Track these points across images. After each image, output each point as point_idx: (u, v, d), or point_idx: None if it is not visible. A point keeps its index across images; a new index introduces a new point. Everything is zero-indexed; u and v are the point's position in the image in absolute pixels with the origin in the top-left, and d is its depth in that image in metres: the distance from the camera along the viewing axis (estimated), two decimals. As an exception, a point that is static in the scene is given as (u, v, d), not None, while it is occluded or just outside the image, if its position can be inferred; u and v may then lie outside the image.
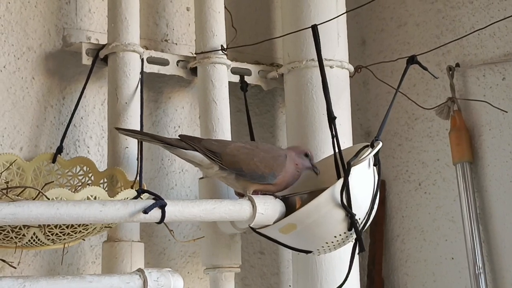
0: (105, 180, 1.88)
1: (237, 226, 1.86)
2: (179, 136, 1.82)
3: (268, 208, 1.75)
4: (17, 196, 1.64)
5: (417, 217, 2.33)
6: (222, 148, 1.80)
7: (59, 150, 1.93)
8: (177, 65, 2.09)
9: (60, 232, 1.66)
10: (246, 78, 2.18)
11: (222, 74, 2.04)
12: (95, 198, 1.64)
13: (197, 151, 1.79)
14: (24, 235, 1.64)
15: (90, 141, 2.02)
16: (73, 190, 1.88)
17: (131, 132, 1.85)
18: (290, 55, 2.14)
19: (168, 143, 1.80)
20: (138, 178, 1.82)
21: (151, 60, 2.05)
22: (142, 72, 1.97)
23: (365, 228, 1.79)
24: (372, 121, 2.46)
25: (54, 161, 1.91)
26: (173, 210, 1.65)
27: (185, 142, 1.79)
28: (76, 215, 1.56)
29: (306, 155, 1.86)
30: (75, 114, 1.97)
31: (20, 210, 1.51)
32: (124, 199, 1.66)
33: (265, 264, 2.24)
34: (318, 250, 1.79)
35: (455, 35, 2.22)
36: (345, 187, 1.70)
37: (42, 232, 1.64)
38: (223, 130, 1.99)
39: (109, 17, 1.98)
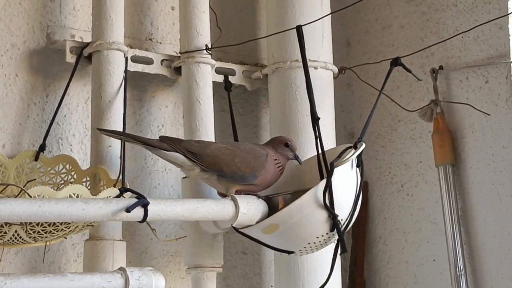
0: (88, 179, 1.88)
1: (220, 225, 1.86)
2: (159, 137, 1.81)
3: (251, 208, 1.75)
4: (-1, 193, 1.63)
5: (399, 219, 2.33)
6: (202, 149, 1.80)
7: (42, 148, 1.92)
8: (161, 64, 2.09)
9: (42, 230, 1.65)
10: (230, 78, 2.18)
11: (206, 74, 2.03)
12: (77, 196, 1.63)
13: (177, 152, 1.78)
14: (5, 232, 1.63)
15: (73, 139, 2.02)
16: (56, 188, 1.87)
17: (112, 133, 1.85)
18: (274, 55, 2.14)
19: (149, 144, 1.79)
20: (121, 176, 1.81)
21: (135, 59, 2.04)
22: (126, 71, 1.97)
23: (348, 229, 1.79)
24: (356, 122, 2.46)
25: (36, 159, 1.90)
26: (155, 209, 1.65)
27: (166, 143, 1.79)
28: (58, 213, 1.55)
29: (287, 145, 1.86)
30: (59, 112, 1.96)
31: (2, 207, 1.50)
32: (107, 197, 1.66)
33: (247, 264, 2.24)
34: (300, 250, 1.79)
35: (439, 37, 2.23)
36: (328, 188, 1.70)
37: (24, 230, 1.63)
38: (207, 130, 1.99)
39: (94, 15, 1.98)
